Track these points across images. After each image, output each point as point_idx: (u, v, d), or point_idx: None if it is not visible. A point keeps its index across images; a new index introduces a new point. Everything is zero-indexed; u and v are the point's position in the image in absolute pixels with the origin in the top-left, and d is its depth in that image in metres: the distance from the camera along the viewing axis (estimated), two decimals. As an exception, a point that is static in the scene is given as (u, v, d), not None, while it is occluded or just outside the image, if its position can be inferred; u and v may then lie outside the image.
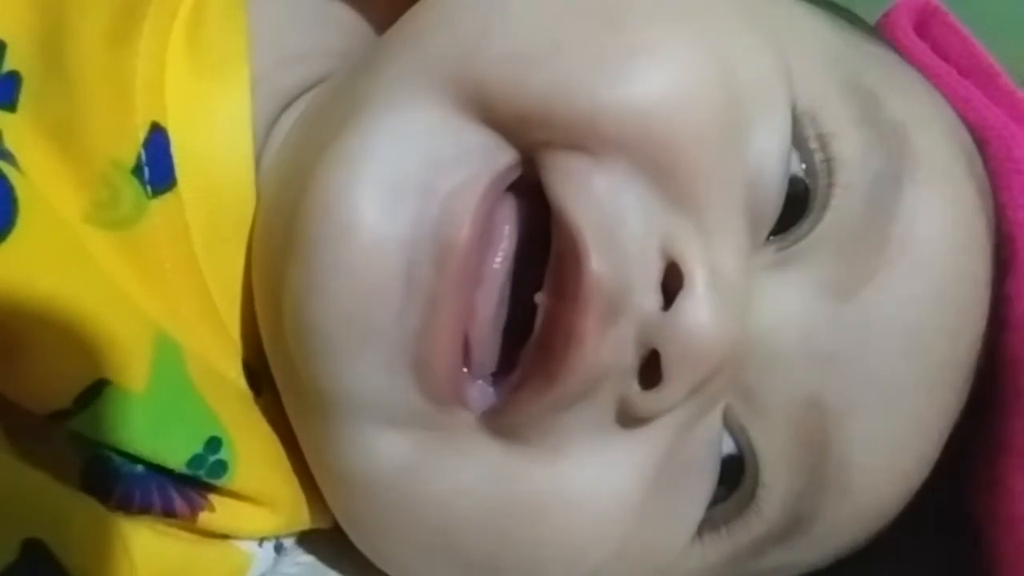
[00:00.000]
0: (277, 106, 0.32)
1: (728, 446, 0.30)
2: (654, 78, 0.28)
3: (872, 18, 0.39)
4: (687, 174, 0.28)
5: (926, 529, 0.35)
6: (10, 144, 0.27)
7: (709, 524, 0.31)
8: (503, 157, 0.28)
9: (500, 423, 0.28)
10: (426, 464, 0.29)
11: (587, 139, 0.27)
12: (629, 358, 0.28)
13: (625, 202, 0.28)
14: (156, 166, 0.29)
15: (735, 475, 0.31)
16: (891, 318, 0.30)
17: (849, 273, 0.29)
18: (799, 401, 0.30)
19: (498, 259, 0.28)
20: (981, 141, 0.34)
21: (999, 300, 0.32)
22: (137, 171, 0.29)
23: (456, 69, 0.28)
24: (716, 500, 0.31)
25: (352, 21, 0.35)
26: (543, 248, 0.28)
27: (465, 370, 0.29)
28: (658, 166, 0.28)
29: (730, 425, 0.30)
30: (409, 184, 0.28)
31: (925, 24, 0.38)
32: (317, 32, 0.34)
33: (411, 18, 0.31)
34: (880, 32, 0.38)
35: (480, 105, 0.28)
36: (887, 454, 0.31)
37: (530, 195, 0.28)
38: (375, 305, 0.27)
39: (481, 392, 0.29)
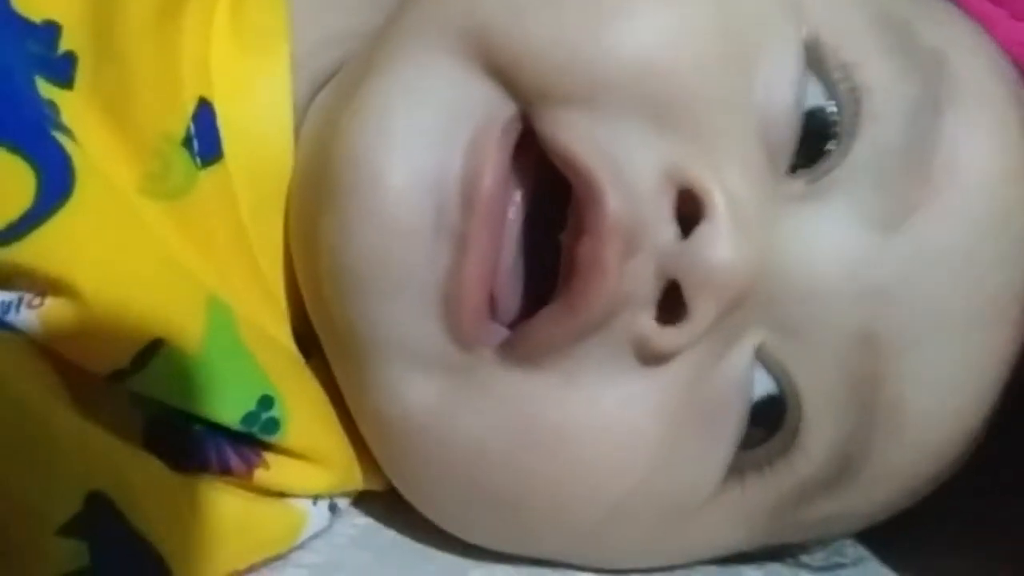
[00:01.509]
0: (315, 85, 0.34)
1: (766, 386, 0.31)
2: (650, 17, 0.29)
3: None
4: (687, 106, 0.29)
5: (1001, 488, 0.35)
6: (68, 120, 0.30)
7: (753, 466, 0.31)
8: (505, 110, 0.30)
9: (520, 353, 0.30)
10: (451, 405, 0.30)
11: (585, 84, 0.29)
12: (648, 289, 0.29)
13: (629, 142, 0.29)
14: (204, 138, 0.31)
15: (776, 415, 0.31)
16: (943, 247, 0.30)
17: (893, 203, 0.30)
18: (848, 335, 0.30)
19: (511, 211, 0.30)
20: (1036, 84, 0.34)
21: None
22: (187, 143, 0.31)
23: (461, 18, 0.30)
24: (757, 441, 0.31)
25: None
26: (550, 204, 0.29)
27: (491, 315, 0.30)
28: (658, 103, 0.29)
29: (767, 362, 0.31)
30: (429, 133, 0.29)
31: (978, -31, 0.38)
32: (357, 11, 0.36)
33: None
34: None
35: (483, 55, 0.30)
36: (943, 391, 0.31)
37: (528, 153, 0.30)
38: (406, 246, 0.29)
39: (502, 336, 0.30)
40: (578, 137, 0.29)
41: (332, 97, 0.33)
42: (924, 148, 0.30)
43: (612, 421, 0.30)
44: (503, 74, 0.29)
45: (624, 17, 0.29)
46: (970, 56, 0.32)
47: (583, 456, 0.30)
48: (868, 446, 0.31)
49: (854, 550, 0.36)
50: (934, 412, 0.31)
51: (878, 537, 0.36)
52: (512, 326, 0.30)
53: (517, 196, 0.30)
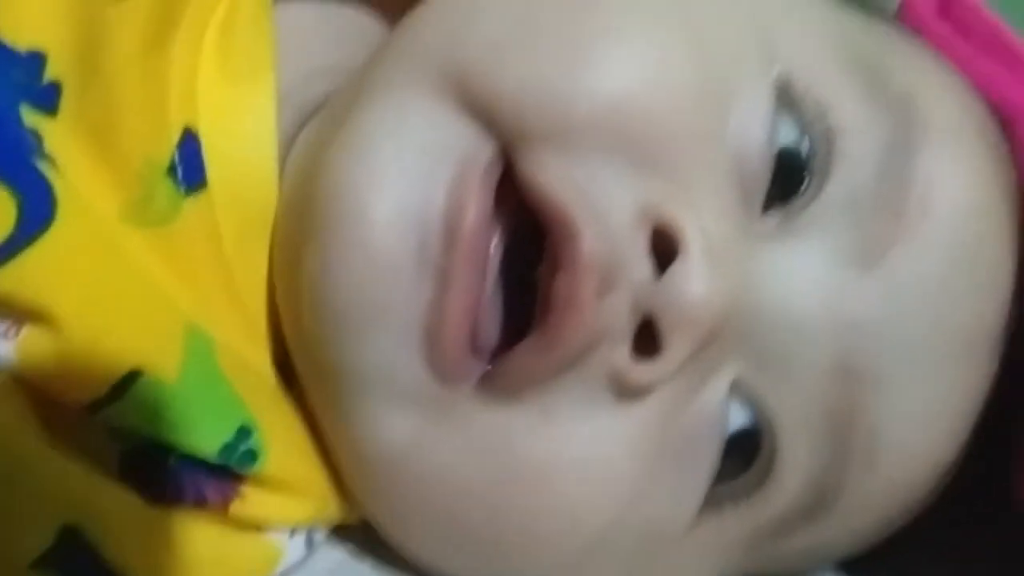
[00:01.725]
0: (301, 117, 0.34)
1: (742, 418, 0.31)
2: (625, 57, 0.30)
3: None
4: (663, 146, 0.29)
5: (974, 518, 0.36)
6: (51, 148, 0.30)
7: (729, 498, 0.32)
8: (485, 149, 0.30)
9: (497, 388, 0.30)
10: (429, 439, 0.30)
11: (561, 125, 0.29)
12: (624, 324, 0.29)
13: (605, 181, 0.29)
14: (188, 166, 0.31)
15: (752, 447, 0.31)
16: (918, 282, 0.31)
17: (868, 240, 0.31)
18: (824, 369, 0.31)
19: (492, 245, 0.30)
20: (1007, 119, 0.35)
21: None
22: (171, 171, 0.31)
23: (440, 58, 0.31)
24: (733, 473, 0.31)
25: (376, 34, 0.37)
26: (528, 238, 0.30)
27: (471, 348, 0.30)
28: (633, 143, 0.29)
29: (742, 395, 0.31)
30: (411, 171, 0.30)
31: (947, 6, 0.39)
32: (341, 45, 0.36)
33: (408, 18, 0.33)
34: (901, 14, 0.39)
35: (461, 93, 0.30)
36: (918, 424, 0.31)
37: (508, 188, 0.30)
38: (388, 280, 0.29)
39: (481, 369, 0.30)
40: (555, 177, 0.29)
41: (317, 131, 0.33)
42: (897, 186, 0.31)
43: (588, 456, 0.30)
44: (483, 113, 0.30)
45: (600, 58, 0.30)
46: (940, 95, 0.33)
47: (560, 491, 0.30)
48: (843, 478, 0.31)
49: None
50: (909, 444, 0.32)
51: (856, 567, 0.36)
52: (492, 358, 0.30)
53: (497, 231, 0.30)
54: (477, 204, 0.29)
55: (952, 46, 0.37)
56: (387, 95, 0.31)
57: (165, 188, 0.31)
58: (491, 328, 0.30)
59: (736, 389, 0.31)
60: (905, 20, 0.39)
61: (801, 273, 0.30)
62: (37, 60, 0.30)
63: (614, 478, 0.30)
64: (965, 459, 0.33)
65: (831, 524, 0.32)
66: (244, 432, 0.31)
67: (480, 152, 0.30)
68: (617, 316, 0.29)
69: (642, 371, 0.29)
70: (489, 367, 0.30)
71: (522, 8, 0.31)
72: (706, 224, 0.29)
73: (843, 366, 0.30)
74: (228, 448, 0.31)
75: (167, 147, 0.31)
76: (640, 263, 0.29)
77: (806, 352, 0.30)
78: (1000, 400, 0.33)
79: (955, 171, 0.31)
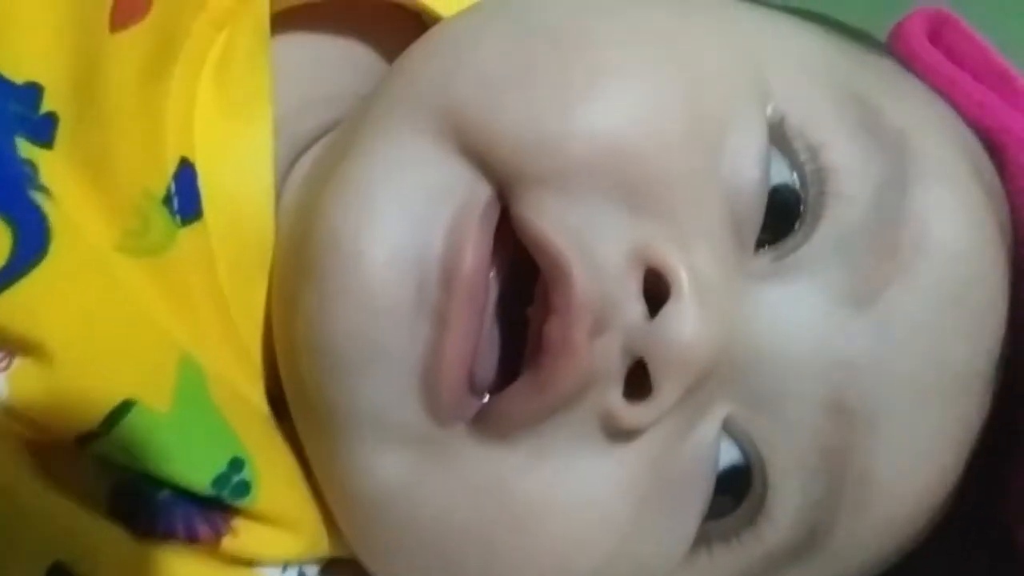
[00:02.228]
0: (298, 148, 0.35)
1: (733, 456, 0.31)
2: (619, 98, 0.30)
3: (887, 27, 0.40)
4: (654, 185, 0.29)
5: (967, 548, 0.36)
6: (46, 179, 0.30)
7: (719, 536, 0.32)
8: (483, 191, 0.30)
9: (490, 429, 0.30)
10: (421, 478, 0.30)
11: (555, 165, 0.29)
12: (616, 366, 0.29)
13: (599, 222, 0.29)
14: (185, 197, 0.31)
15: (743, 485, 0.31)
16: (912, 322, 0.31)
17: (861, 280, 0.31)
18: (817, 408, 0.31)
19: (491, 281, 0.30)
20: (998, 145, 0.35)
21: (1021, 305, 0.33)
22: (167, 201, 0.31)
23: (435, 99, 0.31)
24: (724, 511, 0.31)
25: (371, 62, 0.37)
26: (524, 275, 0.30)
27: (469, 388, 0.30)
28: (627, 183, 0.29)
29: (734, 434, 0.31)
30: (408, 214, 0.30)
31: (939, 32, 0.40)
32: (340, 75, 0.36)
33: (402, 58, 0.34)
34: (892, 41, 0.39)
35: (457, 136, 0.30)
36: (910, 464, 0.31)
37: (504, 227, 0.30)
38: (386, 324, 0.29)
39: (476, 408, 0.30)
40: (548, 219, 0.29)
41: (313, 168, 0.34)
42: (891, 226, 0.31)
43: (580, 498, 0.30)
44: (478, 155, 0.30)
45: (593, 98, 0.30)
46: (934, 133, 0.33)
47: (552, 532, 0.30)
48: (835, 516, 0.31)
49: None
50: (901, 484, 0.32)
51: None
52: (488, 394, 0.30)
53: (493, 269, 0.30)
54: (475, 247, 0.29)
55: (944, 72, 0.37)
56: (382, 137, 0.31)
57: (160, 218, 0.31)
58: (487, 365, 0.30)
59: (727, 427, 0.31)
60: (896, 46, 0.39)
61: (793, 313, 0.30)
62: (34, 92, 0.30)
63: (606, 519, 0.30)
64: (959, 494, 0.33)
65: (822, 562, 0.32)
66: (237, 464, 0.31)
67: (478, 194, 0.30)
68: (609, 358, 0.29)
69: (633, 414, 0.29)
70: (484, 403, 0.30)
71: (516, 49, 0.31)
72: (698, 265, 0.29)
73: (836, 405, 0.31)
74: (221, 479, 0.30)
75: (163, 178, 0.31)
76: (632, 305, 0.29)
77: (798, 391, 0.30)
78: (994, 435, 0.33)
79: (949, 210, 0.32)
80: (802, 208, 0.31)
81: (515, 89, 0.30)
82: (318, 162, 0.34)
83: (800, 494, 0.31)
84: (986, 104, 0.36)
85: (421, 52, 0.33)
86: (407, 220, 0.30)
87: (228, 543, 0.31)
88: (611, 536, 0.30)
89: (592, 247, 0.29)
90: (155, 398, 0.29)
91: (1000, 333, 0.32)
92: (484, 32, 0.32)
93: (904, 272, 0.31)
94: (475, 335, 0.29)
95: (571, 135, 0.29)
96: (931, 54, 0.38)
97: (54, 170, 0.30)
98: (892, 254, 0.31)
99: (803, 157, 0.31)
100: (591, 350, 0.29)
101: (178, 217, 0.31)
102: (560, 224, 0.29)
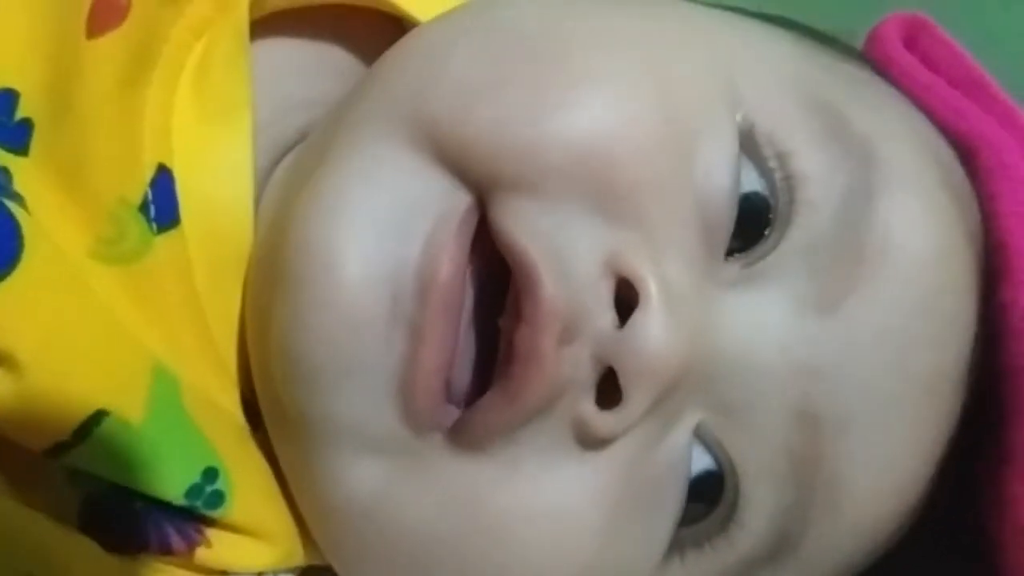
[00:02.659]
0: (276, 153, 0.35)
1: (704, 462, 0.31)
2: (592, 104, 0.30)
3: (862, 32, 0.41)
4: (628, 192, 0.30)
5: (941, 551, 0.36)
6: (20, 186, 0.30)
7: (692, 542, 0.32)
8: (461, 201, 0.30)
9: (464, 439, 0.30)
10: (397, 488, 0.31)
11: (530, 171, 0.29)
12: (585, 375, 0.29)
13: (572, 229, 0.29)
14: (161, 204, 0.31)
15: (715, 490, 0.32)
16: (876, 329, 0.31)
17: (828, 287, 0.31)
18: (785, 414, 0.31)
19: (468, 291, 0.30)
20: (971, 150, 0.35)
21: (994, 309, 0.33)
22: (143, 208, 0.31)
23: (409, 108, 0.31)
24: (697, 517, 0.32)
25: (349, 64, 0.37)
26: (501, 282, 0.30)
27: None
28: (600, 189, 0.30)
29: (705, 440, 0.31)
30: (383, 224, 0.30)
31: (914, 38, 0.40)
32: (320, 79, 0.36)
33: (376, 66, 0.34)
34: (868, 46, 0.39)
35: (433, 144, 0.30)
36: (879, 469, 0.32)
37: (483, 232, 0.30)
38: (361, 336, 0.29)
39: (453, 415, 0.30)
40: (522, 225, 0.29)
41: (288, 178, 0.34)
42: (856, 233, 0.31)
43: (555, 507, 0.30)
44: (455, 163, 0.30)
45: (568, 105, 0.30)
46: (901, 140, 0.33)
47: (528, 541, 0.30)
48: (806, 521, 0.32)
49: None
50: (871, 489, 0.32)
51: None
52: (465, 402, 0.30)
53: (469, 278, 0.30)
54: (452, 258, 0.29)
55: (919, 77, 0.37)
56: (358, 146, 0.31)
57: (136, 226, 0.31)
58: (463, 375, 0.30)
59: (699, 434, 0.31)
60: (872, 50, 0.39)
61: (761, 321, 0.31)
62: (9, 99, 0.30)
63: (581, 528, 0.30)
64: (930, 497, 0.33)
65: (793, 566, 0.32)
66: (211, 474, 0.31)
67: (455, 203, 0.30)
68: (579, 366, 0.29)
69: (605, 422, 0.30)
70: (459, 413, 0.30)
71: (491, 58, 0.31)
72: (668, 273, 0.30)
73: (803, 412, 0.31)
74: (194, 490, 0.30)
75: (140, 185, 0.31)
76: (602, 313, 0.29)
77: (766, 399, 0.31)
78: (965, 436, 0.33)
79: (915, 219, 0.32)
80: (771, 216, 0.31)
81: (490, 98, 0.30)
82: (292, 168, 0.34)
83: (772, 500, 0.31)
84: (960, 110, 0.36)
85: (396, 60, 0.33)
86: (381, 231, 0.30)
87: (201, 554, 0.31)
88: (586, 544, 0.30)
89: (564, 255, 0.29)
90: (128, 408, 0.29)
91: (969, 338, 0.32)
92: (458, 40, 0.32)
93: (868, 280, 0.31)
94: (450, 346, 0.30)
95: (545, 141, 0.29)
96: (906, 59, 0.38)
97: (28, 177, 0.30)
98: (857, 262, 0.31)
99: (772, 164, 0.31)
100: (560, 358, 0.29)
101: (154, 224, 0.31)
102: (533, 229, 0.29)
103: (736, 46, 0.33)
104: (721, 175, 0.31)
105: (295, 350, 0.30)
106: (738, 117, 0.31)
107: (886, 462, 0.32)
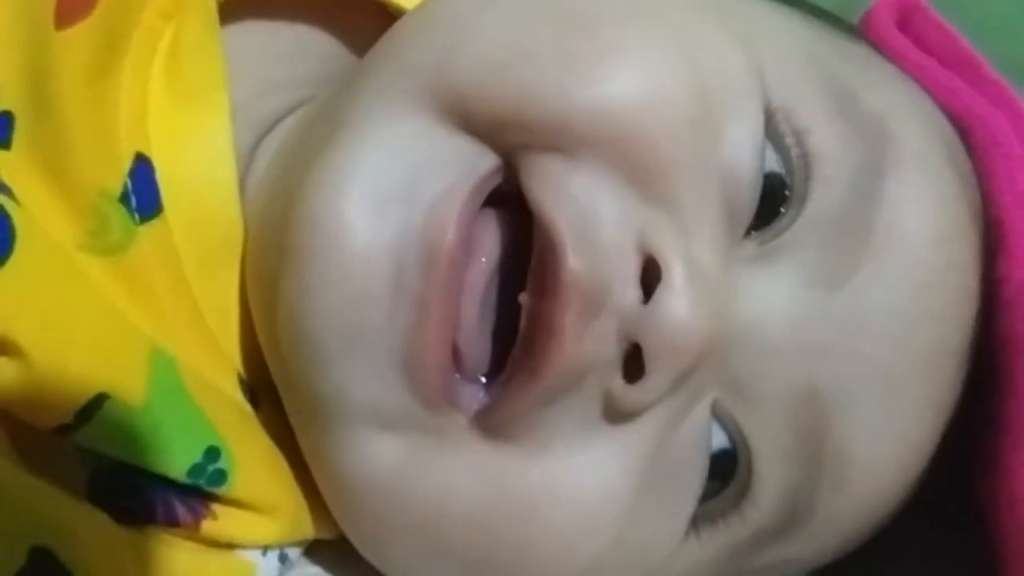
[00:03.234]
0: (257, 133, 0.35)
1: (720, 440, 0.32)
2: (625, 78, 0.30)
3: (856, 15, 0.41)
4: (660, 169, 0.30)
5: (942, 526, 0.37)
6: (7, 179, 0.30)
7: (706, 518, 0.32)
8: (484, 163, 0.30)
9: (490, 422, 0.30)
10: (419, 465, 0.31)
11: (562, 139, 0.30)
12: (611, 352, 0.30)
13: (601, 200, 0.30)
14: (142, 194, 0.31)
15: (728, 468, 0.32)
16: (882, 305, 0.31)
17: (836, 263, 0.31)
18: (794, 391, 0.31)
19: (482, 262, 0.31)
20: (965, 129, 0.36)
21: (991, 283, 0.33)
22: (124, 199, 0.31)
23: (434, 78, 0.31)
24: (711, 494, 0.32)
25: (331, 48, 0.37)
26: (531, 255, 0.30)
27: (457, 374, 0.31)
28: (632, 163, 0.30)
29: (720, 418, 0.32)
30: (394, 192, 0.30)
31: (907, 19, 0.40)
32: (296, 60, 0.37)
33: (391, 34, 0.34)
34: (862, 28, 0.40)
35: (459, 112, 0.30)
36: (883, 443, 0.32)
37: (517, 203, 0.30)
38: (365, 309, 0.30)
39: (472, 393, 0.31)
40: (551, 187, 0.29)
41: (288, 151, 0.34)
42: (866, 211, 0.31)
43: (584, 484, 0.30)
44: (481, 130, 0.30)
45: (603, 74, 0.30)
46: (910, 121, 0.34)
47: (555, 520, 0.31)
48: (814, 496, 0.32)
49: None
50: (875, 463, 0.32)
51: (828, 572, 0.37)
52: (490, 379, 0.31)
53: (489, 248, 0.31)
54: (458, 223, 0.29)
55: (912, 58, 0.38)
56: (374, 115, 0.31)
57: (118, 217, 0.31)
58: (480, 347, 0.31)
59: (715, 411, 0.32)
60: (866, 33, 0.40)
61: (773, 297, 0.31)
62: None
63: (609, 503, 0.31)
64: (933, 470, 0.34)
65: (802, 539, 0.33)
66: (212, 453, 0.31)
67: (478, 166, 0.30)
68: (605, 342, 0.29)
69: (630, 394, 0.30)
70: (484, 399, 0.30)
71: (520, 26, 0.31)
72: (694, 250, 0.30)
73: (809, 387, 0.31)
74: (197, 468, 0.31)
75: (118, 175, 0.31)
76: (628, 289, 0.29)
77: (774, 374, 0.31)
78: (968, 411, 0.34)
79: (922, 198, 0.32)
80: (788, 193, 0.32)
81: (522, 66, 0.30)
82: (290, 144, 0.34)
83: (782, 476, 0.32)
84: (953, 89, 0.37)
85: (416, 28, 0.33)
86: (393, 198, 0.30)
87: (208, 526, 0.31)
88: (614, 520, 0.31)
89: (591, 225, 0.29)
90: (128, 391, 0.30)
91: (972, 312, 0.33)
92: (487, 8, 0.32)
93: (876, 257, 0.31)
94: (455, 317, 0.30)
95: (576, 111, 0.29)
96: (900, 41, 0.39)
97: (15, 170, 0.30)
98: (866, 238, 0.31)
99: (789, 141, 0.32)
100: (584, 334, 0.29)
101: (136, 215, 0.31)
102: (562, 192, 0.29)
103: (754, 25, 0.34)
104: (748, 157, 0.31)
105: (302, 326, 0.30)
106: (763, 97, 0.32)
107: (891, 436, 0.32)
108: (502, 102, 0.30)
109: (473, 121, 0.30)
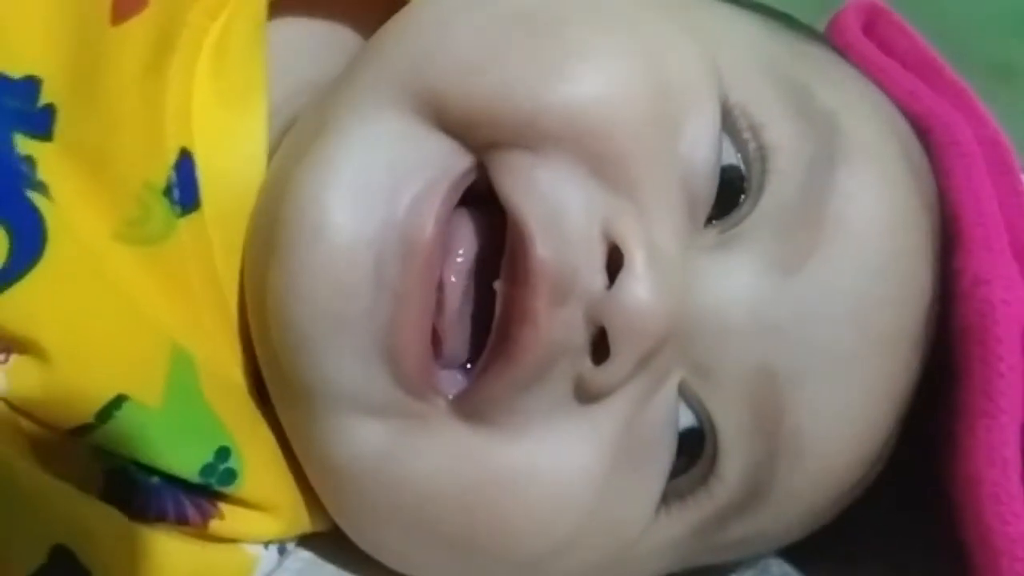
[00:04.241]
0: (282, 133, 0.36)
1: (687, 419, 0.34)
2: (588, 76, 0.32)
3: (824, 19, 0.43)
4: (623, 163, 0.32)
5: (910, 507, 0.38)
6: (44, 172, 0.31)
7: (676, 495, 0.34)
8: (461, 162, 0.32)
9: (469, 406, 0.32)
10: (403, 449, 0.32)
11: (530, 136, 0.31)
12: (580, 336, 0.31)
13: (567, 191, 0.31)
14: (184, 187, 0.33)
15: (696, 445, 0.34)
16: (832, 289, 0.33)
17: (792, 250, 0.33)
18: (750, 371, 0.33)
19: (459, 256, 0.32)
20: (926, 129, 0.38)
21: (949, 276, 0.35)
22: (167, 192, 0.32)
23: (411, 79, 0.32)
24: (679, 471, 0.34)
25: (359, 46, 0.38)
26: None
27: (437, 362, 0.32)
28: (596, 156, 0.32)
29: (687, 398, 0.34)
30: (375, 188, 0.31)
31: (872, 24, 0.42)
32: (325, 60, 0.38)
33: (376, 38, 0.35)
34: (830, 32, 0.42)
35: (435, 112, 0.32)
36: (837, 420, 0.34)
37: (493, 201, 0.32)
38: (346, 301, 0.31)
39: (451, 379, 0.33)
40: (519, 181, 0.31)
41: (283, 153, 0.35)
42: (819, 200, 0.33)
43: (559, 465, 0.32)
44: (457, 127, 0.32)
45: (565, 77, 0.31)
46: (862, 115, 0.36)
47: (532, 498, 0.32)
48: (775, 471, 0.34)
49: (779, 567, 0.39)
50: (831, 440, 0.34)
51: (800, 554, 0.39)
52: (466, 366, 0.32)
53: (467, 242, 0.32)
54: (436, 220, 0.31)
55: (876, 62, 0.40)
56: (358, 113, 0.33)
57: (161, 208, 0.32)
58: (460, 336, 0.32)
59: (681, 392, 0.33)
60: (833, 37, 0.42)
61: (732, 282, 0.33)
62: (32, 86, 0.32)
63: (583, 482, 0.32)
64: (893, 450, 0.36)
65: (766, 516, 0.35)
66: (223, 453, 0.33)
67: (455, 165, 0.32)
68: (572, 328, 0.31)
69: (598, 376, 0.31)
70: (462, 379, 0.32)
71: (491, 31, 0.33)
72: (655, 237, 0.32)
73: (767, 367, 0.33)
74: (208, 469, 0.32)
75: (164, 169, 0.32)
76: (594, 275, 0.31)
77: (734, 355, 0.33)
78: (926, 391, 0.35)
79: (872, 187, 0.34)
80: (745, 185, 0.34)
81: (493, 68, 0.32)
82: (288, 142, 0.35)
83: (744, 453, 0.34)
84: (915, 91, 0.39)
85: (397, 31, 0.34)
86: (374, 193, 0.31)
87: (215, 525, 0.33)
88: (588, 497, 0.32)
89: (559, 216, 0.31)
90: (146, 393, 0.31)
91: (926, 299, 0.35)
92: (460, 13, 0.33)
93: (828, 243, 0.33)
94: (432, 308, 0.31)
95: (544, 110, 0.31)
96: (864, 45, 0.41)
97: (52, 162, 0.31)
98: (819, 225, 0.33)
99: (746, 136, 0.34)
100: (553, 319, 0.31)
101: (178, 207, 0.32)
102: (530, 186, 0.31)
103: (714, 25, 0.36)
104: (705, 149, 0.33)
105: (287, 316, 0.32)
106: (720, 94, 0.33)
107: (845, 413, 0.34)
108: (475, 103, 0.31)
109: (449, 120, 0.32)
